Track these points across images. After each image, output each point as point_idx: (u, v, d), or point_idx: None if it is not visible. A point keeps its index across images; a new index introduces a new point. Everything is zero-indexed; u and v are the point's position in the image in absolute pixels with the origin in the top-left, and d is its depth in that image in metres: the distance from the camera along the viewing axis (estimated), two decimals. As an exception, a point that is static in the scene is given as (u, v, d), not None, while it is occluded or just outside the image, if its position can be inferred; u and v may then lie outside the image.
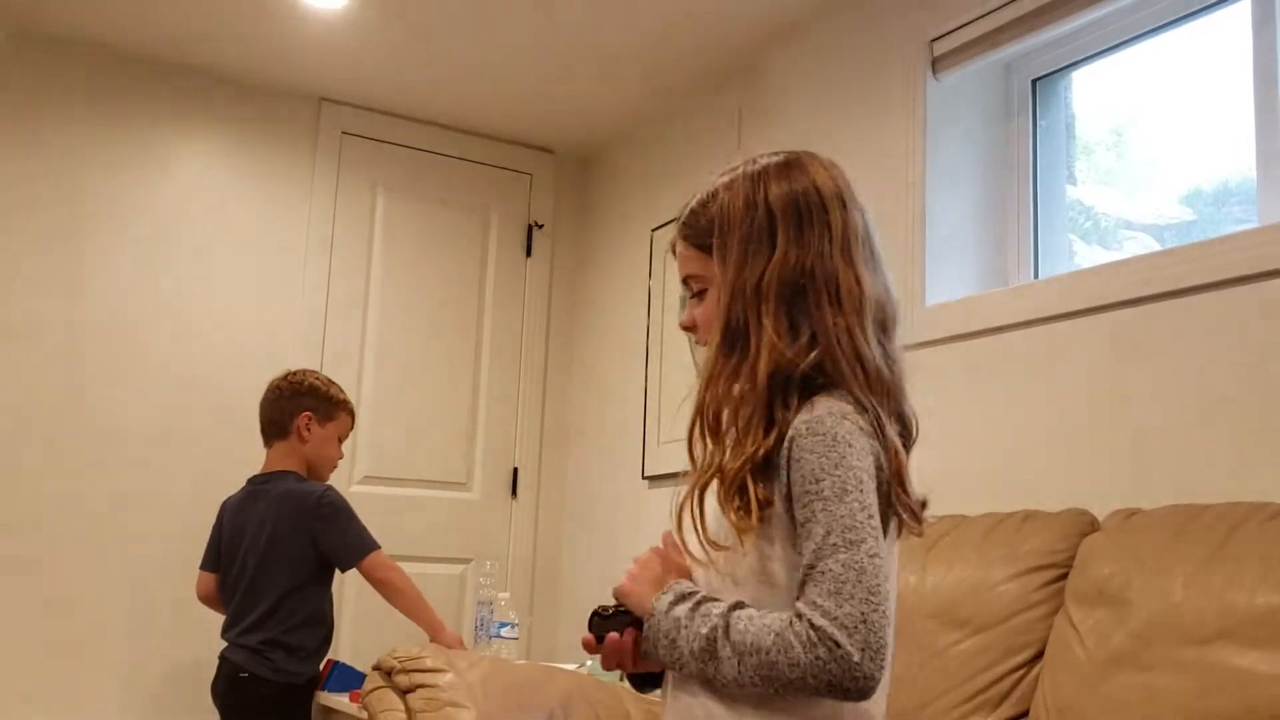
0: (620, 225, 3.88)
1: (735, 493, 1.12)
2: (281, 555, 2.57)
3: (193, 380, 3.40)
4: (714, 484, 1.16)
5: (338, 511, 2.57)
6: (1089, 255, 2.53)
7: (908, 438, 1.20)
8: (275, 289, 3.56)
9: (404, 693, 2.11)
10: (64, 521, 3.17)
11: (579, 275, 4.09)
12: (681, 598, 1.16)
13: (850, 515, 1.05)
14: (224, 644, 2.58)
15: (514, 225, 3.99)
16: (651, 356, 3.57)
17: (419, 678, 2.09)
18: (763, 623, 1.07)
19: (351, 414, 2.73)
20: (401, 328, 3.76)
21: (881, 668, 1.03)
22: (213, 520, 2.74)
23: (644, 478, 3.54)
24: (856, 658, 1.01)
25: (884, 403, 1.16)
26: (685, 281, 1.27)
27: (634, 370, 3.67)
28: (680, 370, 3.40)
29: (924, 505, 1.18)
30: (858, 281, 1.18)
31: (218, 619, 2.65)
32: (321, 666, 2.61)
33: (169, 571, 3.15)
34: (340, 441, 2.70)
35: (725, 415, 1.17)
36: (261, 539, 2.57)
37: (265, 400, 2.68)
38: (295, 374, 2.70)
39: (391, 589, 2.56)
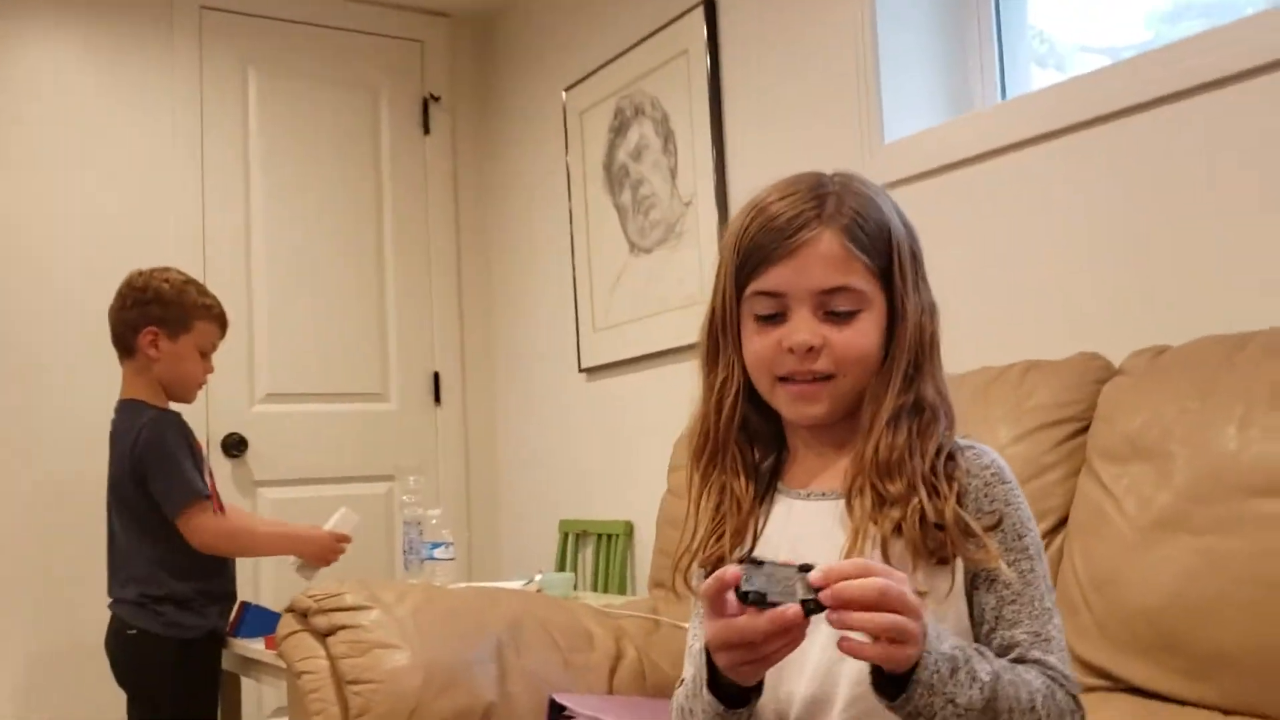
0: (528, 92, 3.49)
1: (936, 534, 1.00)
2: (125, 502, 2.22)
3: (51, 299, 2.98)
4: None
5: (150, 452, 2.16)
6: (1047, 80, 2.25)
7: None
8: (140, 188, 3.12)
9: (324, 635, 1.80)
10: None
11: (486, 152, 3.70)
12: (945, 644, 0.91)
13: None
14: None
15: (407, 100, 3.57)
16: (577, 235, 3.22)
17: (339, 618, 1.79)
18: (1037, 684, 0.95)
19: (218, 320, 2.31)
20: (290, 225, 3.35)
21: None
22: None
23: (581, 370, 3.23)
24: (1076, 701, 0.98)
25: None
26: (831, 292, 1.03)
27: (558, 253, 3.32)
28: (608, 244, 3.06)
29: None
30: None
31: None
32: (233, 612, 2.29)
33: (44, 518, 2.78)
34: (206, 355, 2.30)
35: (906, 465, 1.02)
36: (109, 483, 2.22)
37: (109, 312, 2.27)
38: (139, 277, 2.26)
39: (218, 548, 2.20)
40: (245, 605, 2.29)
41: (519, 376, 3.57)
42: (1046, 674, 0.96)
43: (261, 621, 2.26)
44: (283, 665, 2.03)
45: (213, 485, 2.29)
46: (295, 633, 1.85)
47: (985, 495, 1.01)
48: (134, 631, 2.16)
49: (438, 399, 3.58)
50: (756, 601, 0.84)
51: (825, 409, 1.05)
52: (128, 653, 2.19)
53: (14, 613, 2.88)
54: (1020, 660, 0.97)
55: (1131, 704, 1.33)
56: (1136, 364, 1.56)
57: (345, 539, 2.25)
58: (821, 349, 1.02)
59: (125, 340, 2.25)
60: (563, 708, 1.76)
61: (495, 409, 3.68)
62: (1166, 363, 1.51)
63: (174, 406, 2.32)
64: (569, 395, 3.31)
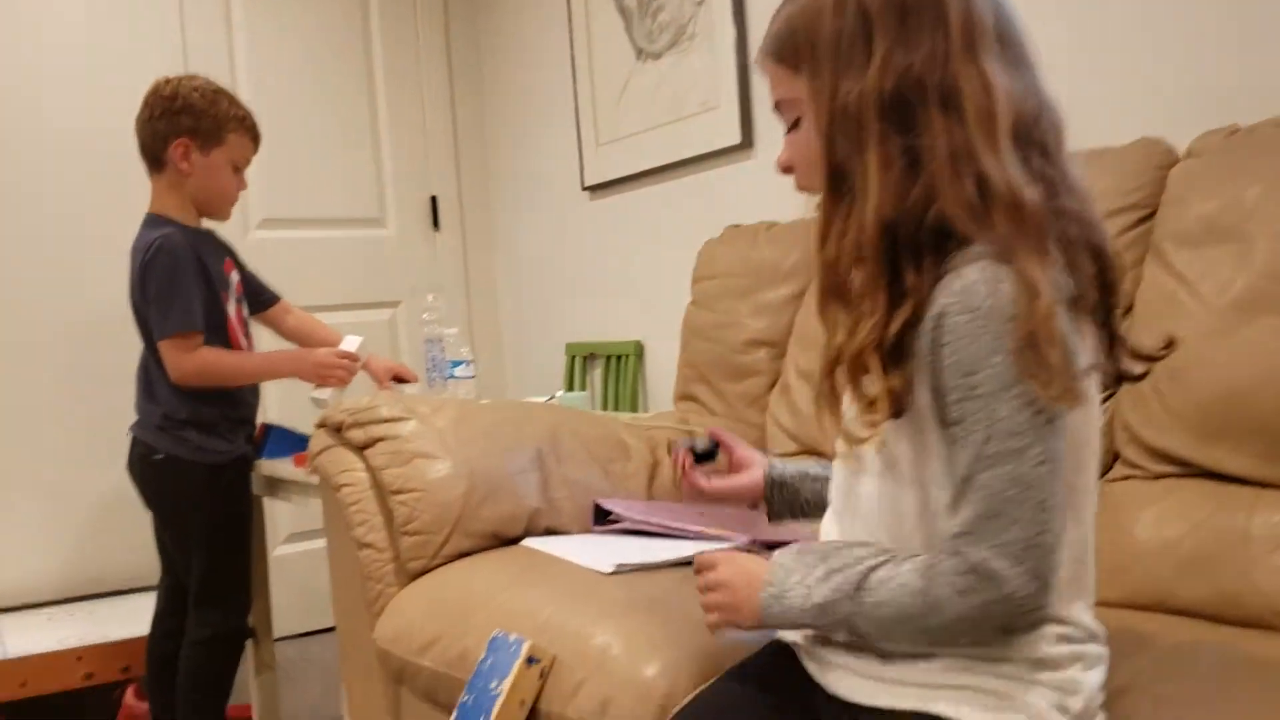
0: (519, -107, 3.28)
1: (858, 381, 0.92)
2: (142, 322, 2.13)
3: (38, 149, 2.83)
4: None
5: (153, 270, 2.05)
6: None
7: (1109, 273, 0.95)
8: (115, 20, 2.94)
9: (361, 449, 1.77)
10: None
11: (476, -39, 3.50)
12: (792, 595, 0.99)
13: (1012, 416, 0.84)
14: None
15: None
16: (577, 42, 3.07)
17: (377, 430, 1.75)
18: (899, 584, 0.90)
19: (252, 132, 2.18)
20: (275, 44, 3.17)
21: (1049, 594, 0.86)
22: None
23: (584, 189, 3.13)
24: (1024, 591, 0.85)
25: (1044, 243, 0.88)
26: (777, 108, 1.03)
27: (557, 64, 3.18)
28: (613, 51, 2.92)
29: (1169, 344, 1.05)
30: (986, 86, 0.89)
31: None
32: (255, 434, 2.25)
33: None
34: (239, 170, 2.18)
35: (855, 277, 0.93)
36: (131, 302, 2.14)
37: (137, 123, 2.14)
38: (167, 85, 2.11)
39: (190, 383, 2.09)
40: (268, 427, 2.25)
41: (519, 198, 3.47)
42: (950, 535, 0.88)
43: (285, 443, 2.23)
44: (314, 482, 2.01)
45: (238, 314, 2.21)
46: (330, 447, 1.81)
47: (941, 325, 0.87)
48: (161, 456, 2.12)
49: (436, 224, 3.49)
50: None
51: None
52: (156, 478, 2.15)
53: (55, 445, 2.84)
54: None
55: (1209, 487, 1.32)
56: (1208, 145, 1.49)
57: (350, 356, 2.18)
58: (789, 166, 1.03)
59: (154, 152, 2.12)
60: (608, 512, 1.75)
61: (495, 233, 3.59)
62: (1242, 143, 1.45)
63: (206, 224, 2.22)
64: (572, 215, 3.22)
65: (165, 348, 2.07)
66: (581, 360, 3.18)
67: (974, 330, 0.85)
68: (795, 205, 2.28)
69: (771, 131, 2.49)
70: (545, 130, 3.29)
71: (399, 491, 1.69)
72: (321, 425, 1.85)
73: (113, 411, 2.68)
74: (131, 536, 2.90)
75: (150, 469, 2.15)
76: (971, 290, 0.86)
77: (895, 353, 0.90)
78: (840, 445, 1.00)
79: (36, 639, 2.57)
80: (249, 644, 2.33)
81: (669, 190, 2.84)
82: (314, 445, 1.85)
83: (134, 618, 2.70)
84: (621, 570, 1.45)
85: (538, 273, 3.42)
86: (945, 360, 0.87)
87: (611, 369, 3.06)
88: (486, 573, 1.56)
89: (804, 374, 1.96)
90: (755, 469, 1.31)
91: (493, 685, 1.26)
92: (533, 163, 3.37)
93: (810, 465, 1.29)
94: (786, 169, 1.03)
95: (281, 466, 2.18)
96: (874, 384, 0.91)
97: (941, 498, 0.91)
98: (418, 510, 1.67)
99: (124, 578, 2.96)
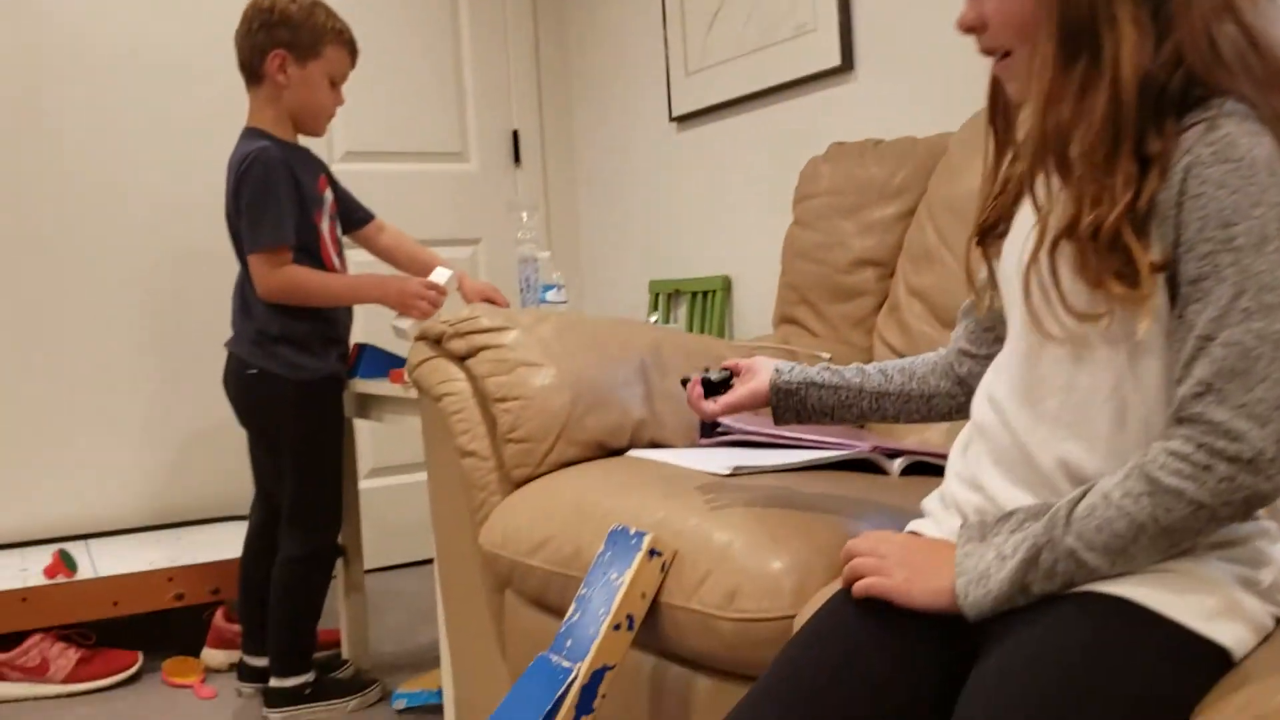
0: None
1: (1111, 253, 0.84)
2: (236, 236, 2.12)
3: (132, 69, 2.84)
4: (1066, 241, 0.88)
5: (247, 183, 2.03)
6: None
7: None
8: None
9: (462, 359, 1.74)
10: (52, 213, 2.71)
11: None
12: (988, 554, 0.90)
13: (1271, 271, 0.79)
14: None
15: None
16: (666, -28, 3.00)
17: (478, 339, 1.71)
18: (1119, 496, 0.83)
19: (349, 46, 2.15)
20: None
21: None
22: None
23: (672, 119, 3.07)
24: (1271, 453, 0.78)
25: None
26: None
27: (645, -6, 3.11)
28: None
29: None
30: None
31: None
32: (349, 353, 2.23)
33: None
34: (336, 84, 2.15)
35: (1074, 146, 0.87)
36: (226, 216, 2.13)
37: (235, 37, 2.12)
38: None
39: (275, 299, 2.07)
40: (361, 346, 2.23)
41: (603, 131, 3.41)
42: (1179, 402, 0.81)
43: (378, 362, 2.21)
44: (410, 396, 1.99)
45: (331, 233, 2.19)
46: (430, 359, 1.78)
47: (1189, 178, 0.82)
48: (254, 371, 2.11)
49: (517, 159, 3.45)
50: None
51: (1017, 88, 0.96)
52: (250, 394, 2.14)
53: (153, 368, 2.86)
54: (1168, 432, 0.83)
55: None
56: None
57: (438, 289, 2.15)
58: (978, 24, 0.95)
59: (252, 66, 2.10)
60: (714, 425, 1.70)
61: (577, 168, 3.54)
62: None
63: (303, 141, 2.20)
64: (658, 147, 3.16)
65: (254, 262, 2.05)
66: (666, 298, 3.13)
67: (1234, 181, 0.80)
68: (898, 128, 2.20)
69: (873, 53, 2.41)
70: (631, 61, 3.23)
71: (503, 400, 1.65)
72: (421, 338, 1.82)
73: (202, 343, 2.69)
74: (219, 468, 2.92)
75: (244, 384, 2.14)
76: (1229, 142, 0.81)
77: (1143, 219, 0.84)
78: (1056, 329, 0.91)
79: (127, 561, 2.59)
80: (339, 564, 2.33)
81: (760, 119, 2.77)
82: (413, 357, 1.82)
83: (223, 542, 2.72)
84: (740, 472, 1.40)
85: (621, 208, 3.36)
86: (1194, 214, 0.81)
87: (698, 305, 3.00)
88: (596, 478, 1.52)
89: (917, 292, 1.89)
90: (760, 375, 1.27)
91: (613, 577, 1.22)
92: (618, 94, 3.32)
93: (816, 372, 1.25)
94: (971, 28, 0.96)
95: (375, 385, 2.15)
96: (1106, 257, 0.84)
97: (1162, 372, 0.85)
98: (522, 418, 1.63)
99: (211, 506, 2.98)
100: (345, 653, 2.43)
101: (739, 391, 1.27)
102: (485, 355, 1.69)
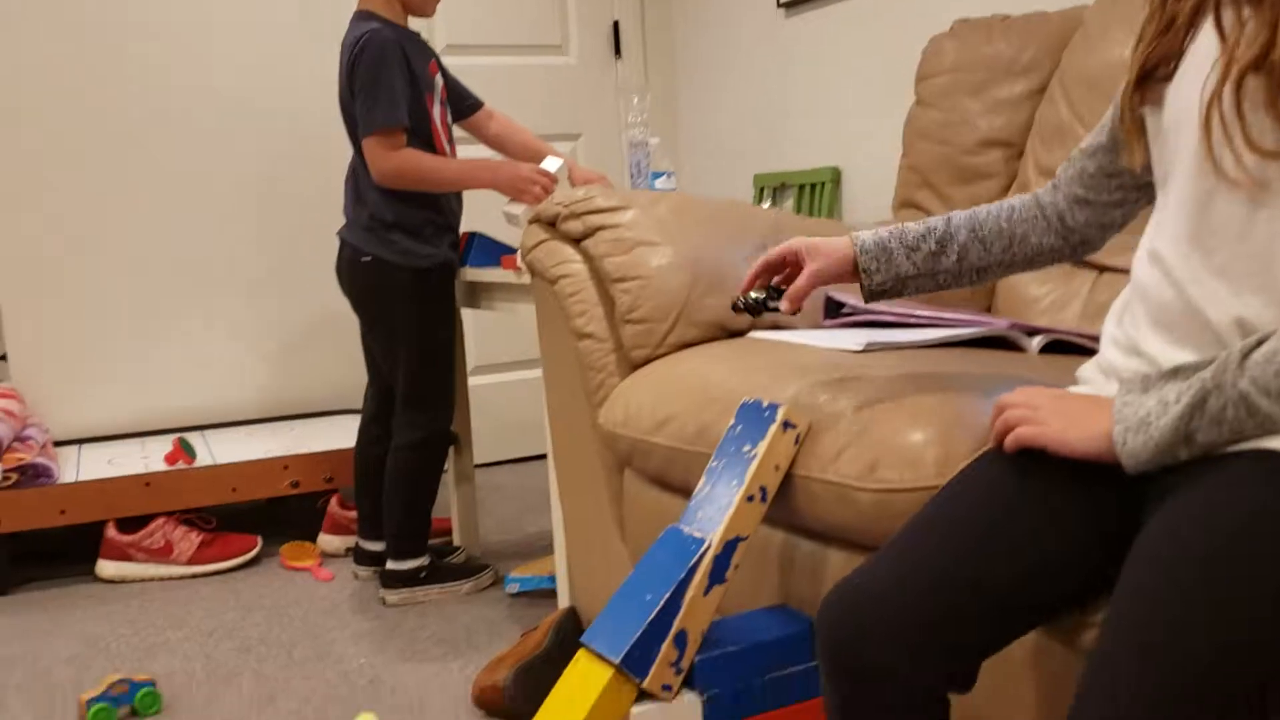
0: None
1: None
2: (349, 121, 2.11)
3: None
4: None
5: (360, 66, 2.02)
6: None
7: None
8: None
9: (578, 240, 1.71)
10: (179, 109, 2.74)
11: None
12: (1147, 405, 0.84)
13: None
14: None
15: None
16: None
17: (595, 219, 1.68)
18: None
19: None
20: None
21: None
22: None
23: (779, 5, 2.96)
24: None
25: None
26: None
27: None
28: None
29: None
30: None
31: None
32: (460, 241, 2.22)
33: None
34: None
35: None
36: (339, 101, 2.11)
37: None
38: None
39: (390, 182, 2.06)
40: (471, 235, 2.22)
41: (705, 20, 3.31)
42: None
43: (489, 250, 2.19)
44: (523, 282, 1.97)
45: (442, 118, 2.17)
46: (544, 242, 1.76)
47: None
48: (367, 259, 2.11)
49: (618, 51, 3.37)
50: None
51: None
52: (363, 281, 2.15)
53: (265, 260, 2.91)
54: None
55: None
56: None
57: (548, 175, 2.12)
58: None
59: None
60: (840, 304, 1.66)
61: (679, 59, 3.45)
62: None
63: (413, 24, 2.17)
64: (765, 35, 3.06)
65: (369, 145, 2.04)
66: (771, 191, 3.06)
67: None
68: (1024, 3, 2.09)
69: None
70: (736, -54, 3.12)
71: (621, 280, 1.62)
72: (535, 220, 1.79)
73: (315, 235, 2.70)
74: (331, 362, 2.96)
75: (357, 272, 2.15)
76: None
77: None
78: (1237, 173, 0.84)
79: (244, 450, 2.65)
80: (450, 453, 2.35)
81: (872, 3, 2.65)
82: (527, 240, 1.79)
83: (335, 434, 2.77)
84: (873, 349, 1.36)
85: (724, 100, 3.28)
86: None
87: (804, 199, 2.93)
88: (719, 357, 1.49)
89: (1048, 171, 1.80)
90: (823, 254, 1.16)
91: (745, 449, 1.20)
92: (721, -17, 3.21)
93: (895, 234, 1.14)
94: None
95: (487, 272, 2.14)
96: None
97: None
98: (641, 298, 1.61)
99: (324, 400, 3.03)
100: (456, 540, 2.46)
101: (799, 282, 1.17)
102: (602, 235, 1.66)
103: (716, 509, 1.18)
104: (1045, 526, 0.88)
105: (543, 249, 1.75)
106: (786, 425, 1.19)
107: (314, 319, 2.97)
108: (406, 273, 2.11)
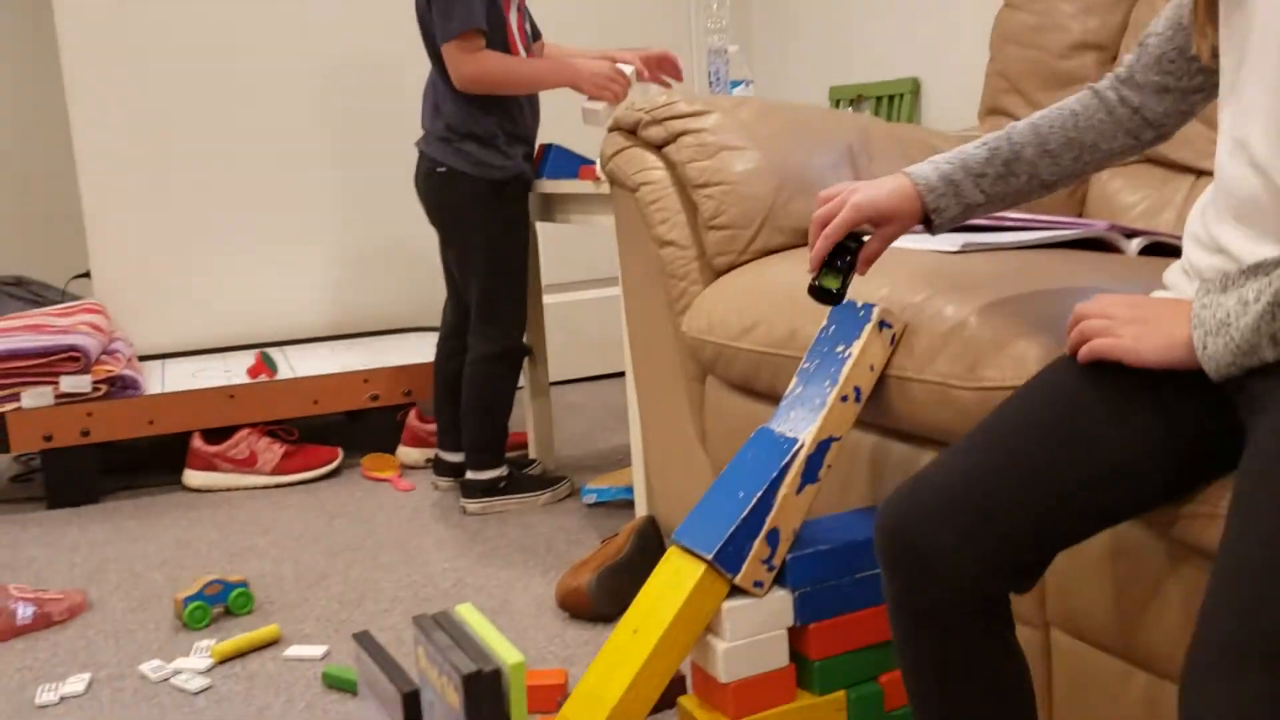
0: None
1: None
2: (426, 31, 2.10)
3: None
4: None
5: None
6: None
7: None
8: None
9: (659, 147, 1.69)
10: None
11: None
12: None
13: None
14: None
15: None
16: None
17: (677, 124, 1.66)
18: None
19: None
20: None
21: None
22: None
23: (858, -92, 2.87)
24: None
25: None
26: None
27: None
28: None
29: None
30: None
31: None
32: (535, 153, 2.21)
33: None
34: None
35: None
36: (416, 12, 2.10)
37: None
38: None
39: (468, 86, 2.04)
40: (548, 146, 2.21)
41: (780, -70, 3.23)
42: None
43: (566, 161, 2.18)
44: (603, 192, 1.96)
45: (519, 24, 2.15)
46: (625, 149, 1.74)
47: None
48: (443, 170, 2.11)
49: (692, -41, 3.30)
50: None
51: None
52: (439, 192, 2.15)
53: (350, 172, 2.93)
54: None
55: None
56: None
57: (623, 75, 2.10)
58: None
59: None
60: (929, 212, 1.62)
61: (753, -30, 3.37)
62: None
63: None
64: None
65: (448, 50, 2.03)
66: (847, 104, 3.00)
67: None
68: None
69: None
70: None
71: (704, 185, 1.60)
72: (615, 128, 1.77)
73: (393, 151, 2.71)
74: (408, 280, 2.99)
75: (433, 183, 2.15)
76: None
77: None
78: None
79: (324, 364, 2.69)
80: (525, 367, 2.37)
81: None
82: (606, 149, 1.78)
83: (414, 348, 2.80)
84: (969, 249, 1.33)
85: (798, 11, 3.20)
86: None
87: (883, 111, 2.87)
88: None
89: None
90: (895, 208, 1.09)
91: (839, 349, 1.18)
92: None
93: (958, 164, 1.09)
94: None
95: (564, 184, 2.13)
96: None
97: None
98: (725, 204, 1.59)
99: (402, 317, 3.07)
100: (532, 454, 2.49)
101: (871, 245, 1.12)
102: (685, 141, 1.64)
103: (809, 409, 1.17)
104: (1116, 431, 0.85)
105: (623, 157, 1.74)
106: (882, 325, 1.17)
107: (393, 237, 2.99)
108: (480, 184, 2.10)
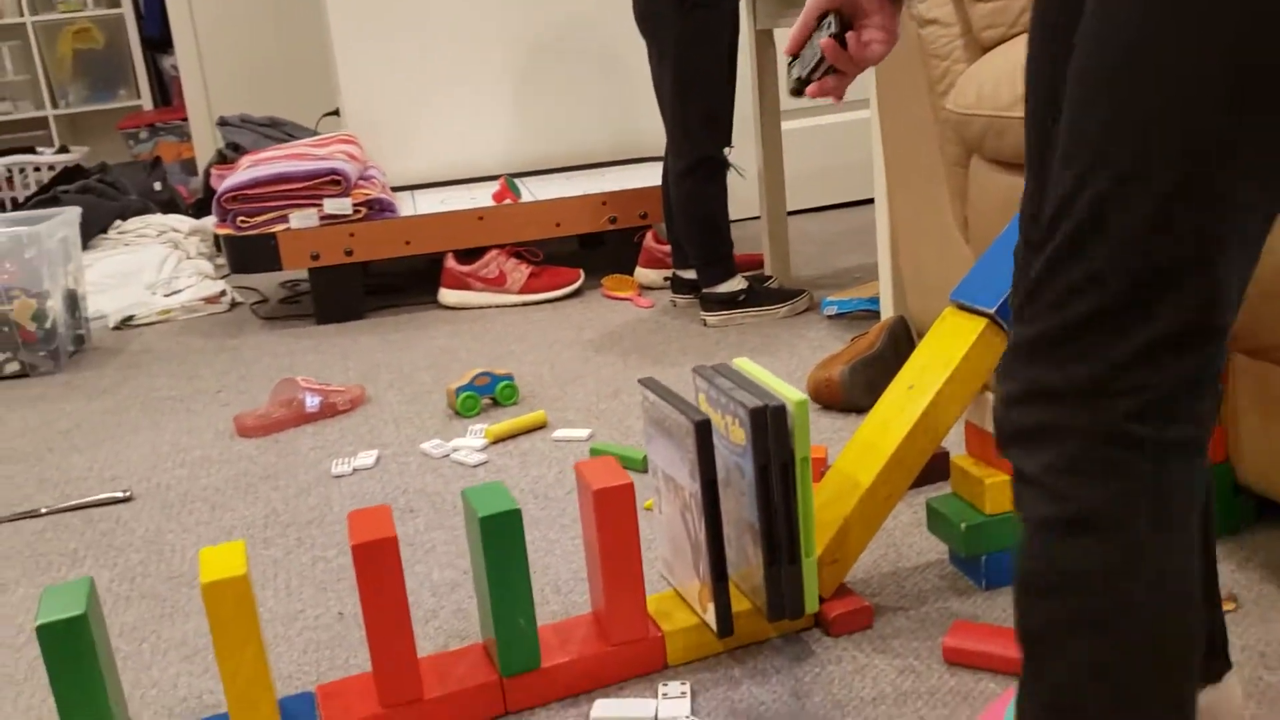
0: None
1: None
2: None
3: None
4: None
5: None
6: None
7: None
8: None
9: (920, -78, 1.61)
10: None
11: None
12: None
13: None
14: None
15: None
16: None
17: (941, -105, 1.57)
18: None
19: None
20: None
21: None
22: None
23: None
24: None
25: None
26: None
27: None
28: None
29: None
30: None
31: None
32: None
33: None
34: None
35: None
36: None
37: None
38: None
39: None
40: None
41: None
42: None
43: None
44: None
45: None
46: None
47: None
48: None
49: None
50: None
51: None
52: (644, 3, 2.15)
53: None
54: None
55: None
56: None
57: None
58: None
59: None
60: None
61: None
62: None
63: None
64: None
65: None
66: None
67: None
68: None
69: None
70: None
71: (971, -43, 1.52)
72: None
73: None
74: (643, 110, 2.99)
75: None
76: None
77: None
78: None
79: (565, 190, 2.76)
80: (763, 191, 2.35)
81: None
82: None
83: (651, 175, 2.82)
84: None
85: None
86: None
87: None
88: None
89: None
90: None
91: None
92: None
93: None
94: None
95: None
96: None
97: None
98: (993, -26, 1.51)
99: (638, 147, 3.09)
100: (768, 270, 2.49)
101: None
102: (950, -89, 1.56)
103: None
104: None
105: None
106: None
107: (630, 70, 3.00)
108: None
